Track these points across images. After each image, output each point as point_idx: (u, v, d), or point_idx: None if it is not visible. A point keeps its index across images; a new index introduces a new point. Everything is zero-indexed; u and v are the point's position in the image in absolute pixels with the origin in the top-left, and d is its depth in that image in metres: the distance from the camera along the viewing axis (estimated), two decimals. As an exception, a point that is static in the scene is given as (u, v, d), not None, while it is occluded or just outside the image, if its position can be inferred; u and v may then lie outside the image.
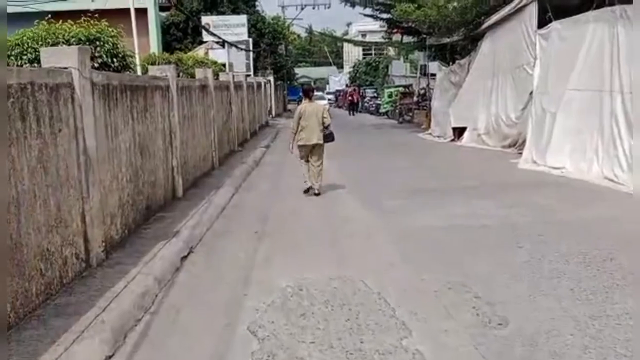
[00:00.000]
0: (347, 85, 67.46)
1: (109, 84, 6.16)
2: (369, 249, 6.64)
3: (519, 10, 14.25)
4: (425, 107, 28.71)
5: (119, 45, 7.26)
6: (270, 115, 34.70)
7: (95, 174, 5.53)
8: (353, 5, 24.78)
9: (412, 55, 52.91)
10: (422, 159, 14.57)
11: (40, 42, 6.98)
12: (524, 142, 13.39)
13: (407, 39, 30.35)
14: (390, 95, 35.97)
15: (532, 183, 10.45)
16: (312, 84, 75.91)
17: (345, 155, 15.84)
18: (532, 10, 13.53)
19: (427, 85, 35.43)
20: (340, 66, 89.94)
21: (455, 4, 17.11)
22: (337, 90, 66.99)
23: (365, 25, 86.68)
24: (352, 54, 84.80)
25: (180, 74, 14.22)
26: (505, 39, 15.34)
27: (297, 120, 10.05)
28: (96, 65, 6.88)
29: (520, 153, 13.26)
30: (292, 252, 6.65)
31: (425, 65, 50.62)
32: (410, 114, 29.74)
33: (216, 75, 15.55)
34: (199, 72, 12.41)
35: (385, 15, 25.49)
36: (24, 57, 6.99)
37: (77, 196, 5.21)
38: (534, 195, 9.24)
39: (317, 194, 10.02)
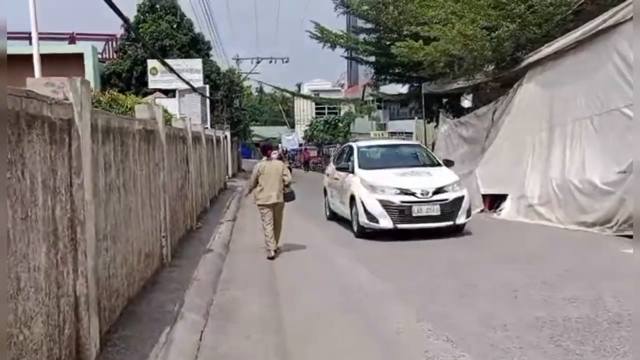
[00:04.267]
0: (300, 145, 64.53)
1: None
2: None
3: (604, 32, 10.13)
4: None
5: None
6: (227, 176, 29.78)
7: None
8: (333, 46, 20.57)
9: (374, 113, 49.99)
10: (476, 241, 9.92)
11: None
12: (629, 219, 9.02)
13: (388, 89, 26.34)
14: (364, 154, 31.75)
15: None
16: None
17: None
18: (633, 30, 9.28)
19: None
20: (291, 125, 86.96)
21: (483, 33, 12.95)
22: (293, 150, 64.04)
23: (317, 85, 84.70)
24: (305, 113, 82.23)
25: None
26: (576, 75, 11.15)
27: (254, 177, 9.60)
28: None
29: (628, 236, 8.90)
30: None
31: (385, 124, 47.81)
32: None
33: (167, 122, 10.76)
34: (141, 110, 7.52)
35: (372, 59, 21.36)
36: None
37: None
38: None
39: (272, 257, 9.29)
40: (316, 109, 79.82)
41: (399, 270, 8.25)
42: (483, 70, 14.79)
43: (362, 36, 21.17)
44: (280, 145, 72.59)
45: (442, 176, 11.25)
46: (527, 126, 12.67)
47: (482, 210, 13.73)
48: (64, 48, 27.33)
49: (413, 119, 34.53)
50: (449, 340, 5.08)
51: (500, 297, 6.48)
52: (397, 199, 10.41)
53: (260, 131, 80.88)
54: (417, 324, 5.60)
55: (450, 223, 10.45)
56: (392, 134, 39.85)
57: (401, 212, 10.36)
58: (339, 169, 12.65)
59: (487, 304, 6.24)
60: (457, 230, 10.68)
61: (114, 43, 32.68)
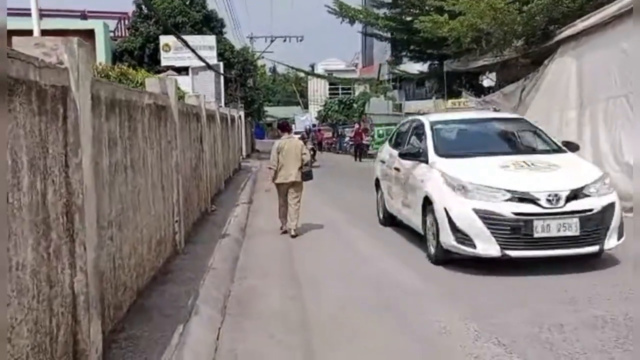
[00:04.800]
0: (314, 125, 63.77)
1: None
2: None
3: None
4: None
5: None
6: (241, 157, 29.20)
7: None
8: (352, 22, 19.79)
9: (390, 93, 48.92)
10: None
11: None
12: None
13: (405, 68, 25.50)
14: (381, 135, 31.23)
15: None
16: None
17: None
18: (632, 25, 8.74)
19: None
20: (305, 105, 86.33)
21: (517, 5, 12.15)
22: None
23: (331, 64, 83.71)
24: (319, 93, 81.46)
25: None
26: (611, 50, 10.36)
27: (275, 155, 9.32)
28: None
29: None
30: None
31: (401, 104, 46.64)
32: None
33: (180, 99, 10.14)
34: (151, 84, 6.91)
35: (389, 35, 20.57)
36: None
37: None
38: None
39: (294, 236, 9.17)
40: (330, 89, 79.08)
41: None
42: (512, 46, 13.99)
43: (382, 11, 20.36)
44: (294, 125, 72.06)
45: (574, 169, 7.02)
46: (557, 104, 11.95)
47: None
48: (74, 24, 26.63)
49: (430, 98, 33.57)
50: (500, 344, 4.46)
51: (548, 292, 5.82)
52: (508, 209, 6.30)
53: (274, 111, 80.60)
54: (461, 323, 4.97)
55: (596, 248, 6.44)
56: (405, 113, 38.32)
57: (514, 231, 6.28)
58: (403, 155, 8.41)
59: (535, 300, 5.58)
60: (596, 256, 6.68)
61: (126, 21, 32.02)
